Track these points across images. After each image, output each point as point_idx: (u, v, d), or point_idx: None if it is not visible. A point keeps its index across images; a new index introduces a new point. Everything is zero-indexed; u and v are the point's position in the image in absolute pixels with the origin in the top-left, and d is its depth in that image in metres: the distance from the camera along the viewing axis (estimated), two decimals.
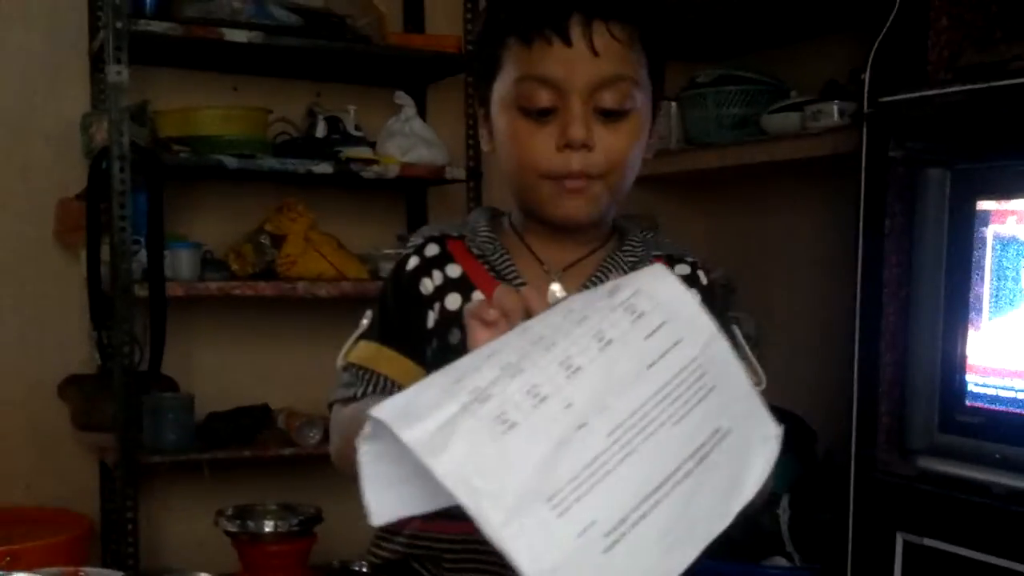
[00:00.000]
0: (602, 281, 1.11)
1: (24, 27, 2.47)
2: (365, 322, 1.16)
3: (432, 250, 1.14)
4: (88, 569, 1.97)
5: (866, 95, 2.00)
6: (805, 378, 2.70)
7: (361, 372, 1.13)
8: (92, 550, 2.40)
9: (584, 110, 1.05)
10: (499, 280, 1.11)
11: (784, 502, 2.13)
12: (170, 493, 2.45)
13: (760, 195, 2.96)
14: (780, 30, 2.77)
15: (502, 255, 1.13)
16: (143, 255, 2.27)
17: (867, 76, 1.99)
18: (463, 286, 1.12)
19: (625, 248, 1.15)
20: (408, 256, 1.15)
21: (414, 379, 1.06)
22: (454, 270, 1.13)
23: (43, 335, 2.49)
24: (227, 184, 2.59)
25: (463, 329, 1.03)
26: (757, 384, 1.18)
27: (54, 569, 1.93)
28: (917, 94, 1.93)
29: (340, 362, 1.15)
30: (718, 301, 1.17)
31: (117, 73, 2.21)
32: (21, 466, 2.47)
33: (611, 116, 1.06)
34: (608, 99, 1.05)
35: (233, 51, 2.42)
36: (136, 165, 2.24)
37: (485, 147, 1.17)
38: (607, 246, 1.17)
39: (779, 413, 2.57)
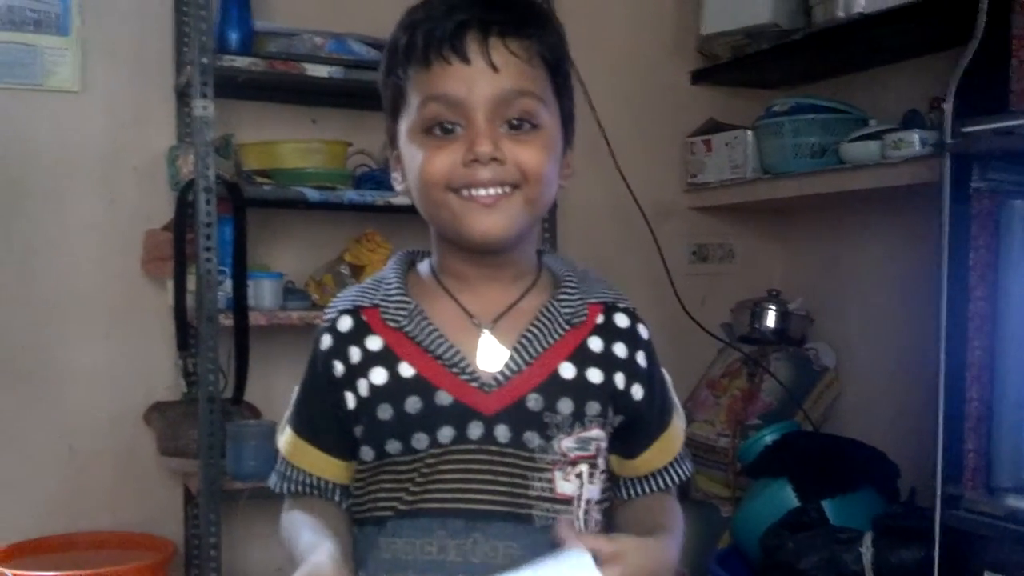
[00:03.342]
0: (538, 334, 1.09)
1: (113, 63, 2.54)
2: (294, 398, 1.16)
3: (346, 324, 1.11)
4: None
5: (948, 124, 1.97)
6: (886, 411, 2.66)
7: (285, 465, 1.15)
8: (176, 574, 2.44)
9: (489, 126, 1.04)
10: (422, 348, 1.07)
11: (867, 539, 2.09)
12: (252, 519, 2.48)
13: (838, 225, 2.93)
14: (858, 58, 2.75)
15: (419, 320, 1.09)
16: (228, 285, 2.31)
17: (949, 105, 1.96)
18: (387, 358, 1.08)
19: (561, 297, 1.12)
20: (322, 333, 1.13)
21: (332, 474, 1.12)
22: (374, 342, 1.09)
23: (130, 362, 2.55)
24: (308, 215, 2.63)
25: (393, 403, 1.06)
26: (683, 426, 1.20)
27: None
28: (1000, 124, 1.90)
29: (278, 444, 1.17)
30: (655, 354, 1.16)
31: (203, 108, 2.26)
32: (107, 491, 2.52)
33: (519, 130, 1.05)
34: (513, 113, 1.04)
35: (313, 85, 2.47)
36: (221, 197, 2.29)
37: (398, 187, 1.14)
38: (538, 289, 1.13)
39: (860, 447, 2.52)
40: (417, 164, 1.06)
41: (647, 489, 1.16)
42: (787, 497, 2.31)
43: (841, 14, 2.52)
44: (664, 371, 1.19)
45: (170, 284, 2.42)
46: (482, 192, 1.04)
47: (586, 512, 1.10)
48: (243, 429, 2.32)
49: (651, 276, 2.92)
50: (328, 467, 1.13)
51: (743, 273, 3.13)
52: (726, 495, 2.70)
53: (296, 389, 1.16)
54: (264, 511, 2.52)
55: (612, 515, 1.17)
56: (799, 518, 2.24)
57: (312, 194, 2.40)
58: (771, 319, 2.88)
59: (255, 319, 2.33)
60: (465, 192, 1.05)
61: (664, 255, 2.92)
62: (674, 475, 1.18)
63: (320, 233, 2.66)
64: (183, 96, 2.53)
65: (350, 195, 2.45)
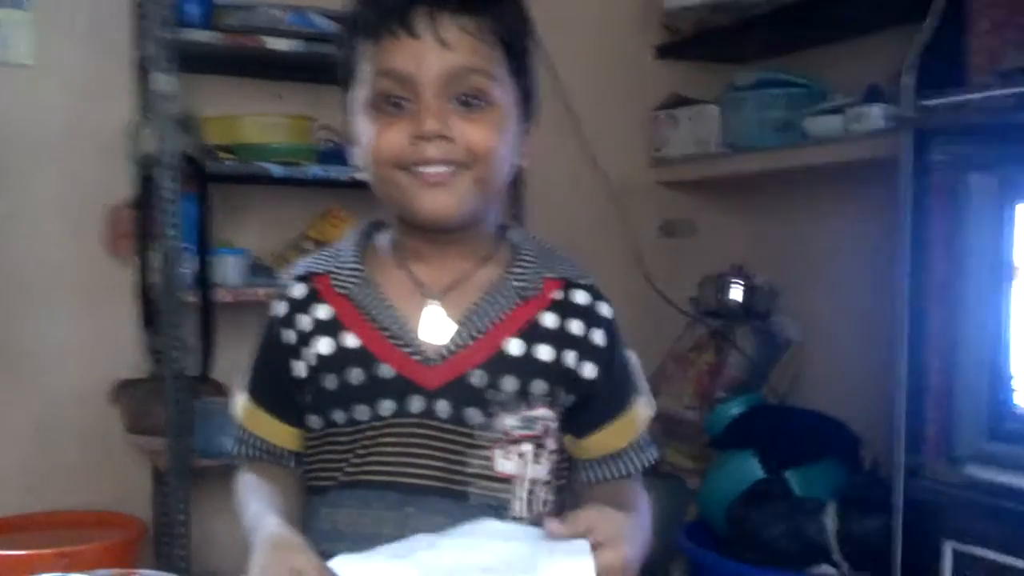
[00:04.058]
0: (487, 308, 1.08)
1: (70, 36, 2.50)
2: (249, 362, 1.17)
3: (299, 291, 1.12)
4: (142, 571, 1.95)
5: (908, 99, 1.99)
6: (849, 383, 2.69)
7: (241, 430, 1.16)
8: (145, 553, 2.43)
9: (438, 103, 1.03)
10: (369, 319, 1.07)
11: (830, 509, 2.12)
12: (221, 497, 2.46)
13: (802, 199, 2.95)
14: (821, 32, 2.76)
15: (368, 290, 1.09)
16: (192, 261, 2.30)
17: (908, 79, 1.98)
18: (334, 328, 1.08)
19: (515, 270, 1.11)
20: (277, 300, 1.13)
21: (286, 441, 1.13)
22: (323, 311, 1.10)
23: (95, 340, 2.53)
24: (271, 191, 2.61)
25: (338, 374, 1.07)
26: (649, 413, 1.19)
27: (108, 571, 1.95)
28: (960, 98, 1.92)
29: (234, 408, 1.18)
30: (616, 334, 1.14)
31: (165, 83, 2.23)
32: (75, 470, 2.51)
33: (468, 108, 1.04)
34: (463, 89, 1.03)
35: (275, 59, 2.45)
36: (183, 173, 2.27)
37: (356, 162, 1.12)
38: (494, 262, 1.12)
39: (823, 419, 2.55)
40: (367, 140, 1.06)
41: (608, 474, 1.15)
42: (752, 468, 2.34)
43: None
44: (630, 353, 1.17)
45: (133, 261, 2.40)
46: (430, 170, 1.03)
47: (530, 492, 1.09)
48: (210, 406, 2.31)
49: (617, 250, 2.93)
50: (282, 434, 1.14)
51: (709, 247, 3.14)
52: (693, 467, 2.73)
53: (251, 352, 1.16)
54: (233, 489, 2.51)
55: (573, 497, 1.16)
56: (764, 489, 2.27)
57: (276, 169, 2.38)
58: (736, 293, 2.90)
59: (221, 296, 2.32)
60: (413, 169, 1.04)
61: (630, 229, 2.93)
62: (636, 461, 1.16)
63: (285, 209, 2.65)
64: (143, 69, 2.49)
65: (314, 170, 2.43)
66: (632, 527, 1.01)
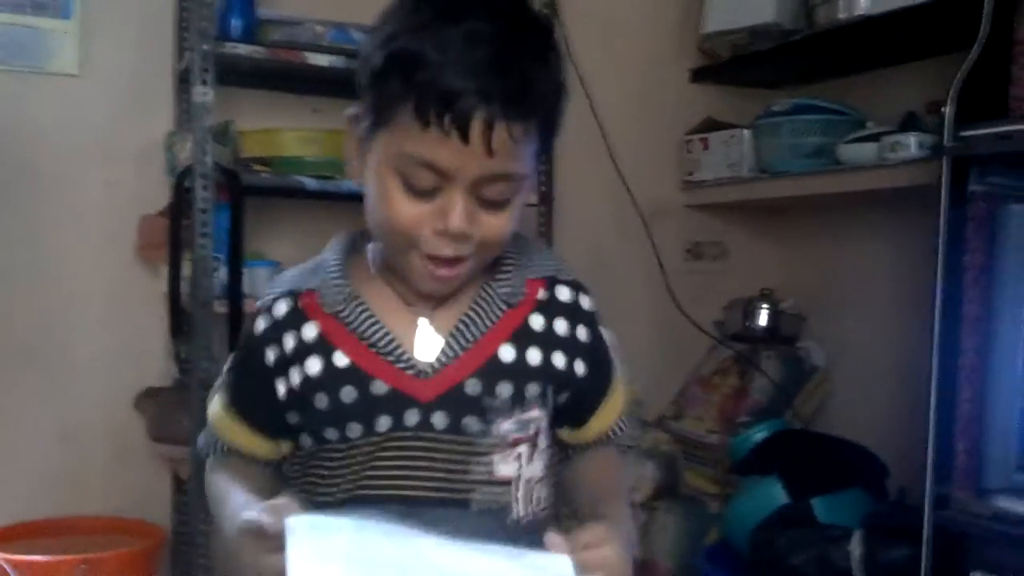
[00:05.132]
0: (475, 318, 1.08)
1: (114, 47, 2.54)
2: (226, 368, 1.17)
3: (281, 309, 1.10)
4: None
5: (948, 127, 1.98)
6: (877, 412, 2.67)
7: (215, 437, 1.17)
8: (164, 560, 2.44)
9: (467, 199, 1.01)
10: (358, 337, 1.06)
11: (856, 538, 2.10)
12: None
13: (835, 226, 2.94)
14: (857, 59, 2.76)
15: (356, 307, 1.08)
16: (223, 272, 2.31)
17: (950, 108, 1.97)
18: (322, 347, 1.07)
19: (499, 277, 1.11)
20: (257, 316, 1.12)
21: (261, 451, 1.13)
22: (310, 330, 1.08)
23: (122, 348, 2.54)
24: (304, 204, 2.62)
25: (328, 393, 1.06)
26: (630, 386, 1.22)
27: None
28: (999, 128, 1.91)
29: (209, 409, 1.19)
30: (598, 323, 1.17)
31: (202, 94, 2.25)
32: (97, 475, 2.52)
33: (493, 203, 1.03)
34: (493, 193, 1.02)
35: (315, 74, 2.47)
36: (218, 184, 2.29)
37: (353, 175, 1.09)
38: (479, 271, 1.11)
39: (850, 446, 2.53)
40: (385, 200, 1.02)
41: (599, 451, 1.20)
42: (777, 494, 2.32)
43: (843, 16, 2.53)
44: (607, 332, 1.19)
45: (164, 270, 2.41)
46: (441, 270, 1.04)
47: (526, 491, 1.10)
48: None
49: (645, 273, 2.93)
50: (257, 445, 1.14)
51: (737, 271, 3.14)
52: (715, 491, 2.71)
53: (228, 359, 1.17)
54: None
55: (561, 488, 1.19)
56: (788, 515, 2.25)
57: (310, 183, 2.39)
58: (763, 317, 2.89)
59: (249, 307, 2.32)
60: (424, 253, 1.03)
61: (659, 252, 2.93)
62: (615, 429, 1.21)
63: (317, 222, 2.65)
64: (182, 82, 2.52)
65: (348, 184, 2.44)
66: (620, 533, 1.01)
